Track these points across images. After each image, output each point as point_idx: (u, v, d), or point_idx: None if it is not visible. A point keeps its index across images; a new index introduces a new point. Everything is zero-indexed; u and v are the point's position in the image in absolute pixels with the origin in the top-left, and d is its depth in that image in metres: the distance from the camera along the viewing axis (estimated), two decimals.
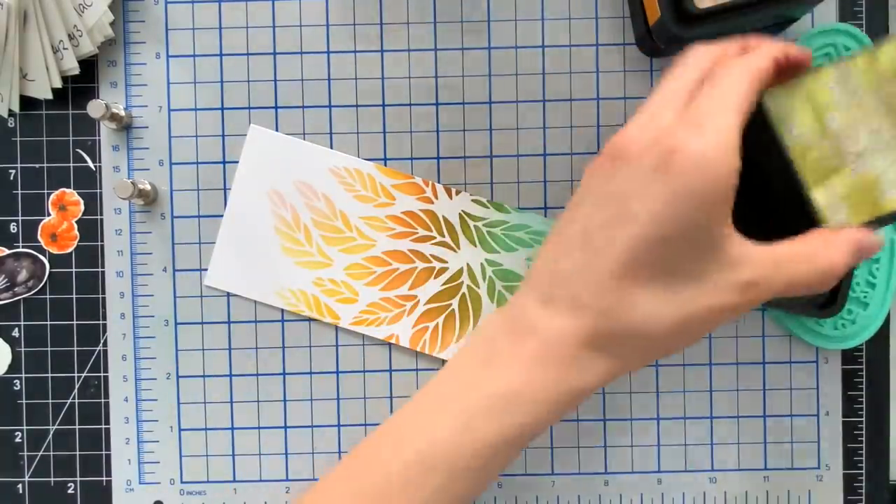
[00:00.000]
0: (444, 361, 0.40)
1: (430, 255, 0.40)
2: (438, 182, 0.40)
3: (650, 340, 0.28)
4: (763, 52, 0.29)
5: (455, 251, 0.40)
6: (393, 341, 0.40)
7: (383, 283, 0.40)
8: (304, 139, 0.40)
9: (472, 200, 0.40)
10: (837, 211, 0.29)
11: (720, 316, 0.28)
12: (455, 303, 0.40)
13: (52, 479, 0.40)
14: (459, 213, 0.40)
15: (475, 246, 0.40)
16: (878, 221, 0.29)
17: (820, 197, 0.29)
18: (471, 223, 0.40)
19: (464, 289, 0.40)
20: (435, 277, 0.40)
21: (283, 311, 0.40)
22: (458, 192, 0.40)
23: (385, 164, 0.40)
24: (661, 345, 0.28)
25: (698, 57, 0.29)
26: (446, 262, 0.40)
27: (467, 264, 0.40)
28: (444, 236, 0.40)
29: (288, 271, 0.40)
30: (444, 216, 0.40)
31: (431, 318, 0.40)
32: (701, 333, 0.29)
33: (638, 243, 0.26)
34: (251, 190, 0.40)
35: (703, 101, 0.27)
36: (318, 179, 0.40)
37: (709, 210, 0.26)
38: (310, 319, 0.40)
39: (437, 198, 0.40)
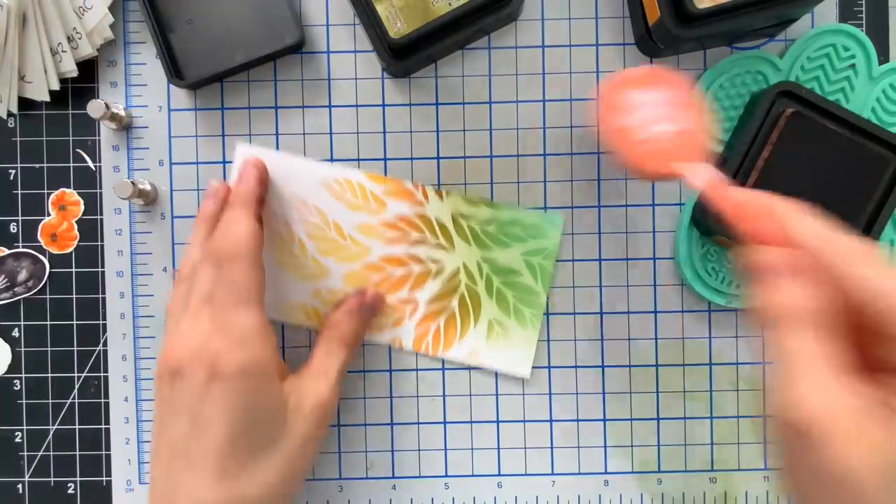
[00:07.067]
0: (443, 362, 0.40)
1: (426, 257, 0.40)
2: (438, 183, 0.40)
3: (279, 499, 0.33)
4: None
5: (450, 251, 0.40)
6: (397, 346, 0.40)
7: (382, 289, 0.40)
8: (304, 138, 0.40)
9: (463, 200, 0.40)
10: (396, 20, 0.34)
11: (315, 445, 0.35)
12: (455, 302, 0.40)
13: (52, 479, 0.40)
14: (451, 214, 0.40)
15: (469, 245, 0.40)
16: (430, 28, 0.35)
17: (380, 9, 0.35)
18: (463, 222, 0.40)
19: (462, 288, 0.40)
20: (433, 279, 0.40)
21: (283, 343, 0.40)
22: (447, 193, 0.40)
23: (385, 164, 0.40)
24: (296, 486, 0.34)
25: (193, 252, 0.36)
26: (442, 263, 0.40)
27: (463, 263, 0.40)
28: (438, 238, 0.40)
29: (286, 286, 0.40)
30: (436, 218, 0.40)
31: (432, 319, 0.40)
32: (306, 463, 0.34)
33: (224, 441, 0.31)
34: None
35: (220, 296, 0.32)
36: (309, 192, 0.40)
37: (260, 395, 0.32)
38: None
39: (427, 200, 0.40)
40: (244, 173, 0.37)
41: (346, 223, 0.40)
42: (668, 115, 0.30)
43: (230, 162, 0.40)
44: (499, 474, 0.40)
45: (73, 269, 0.40)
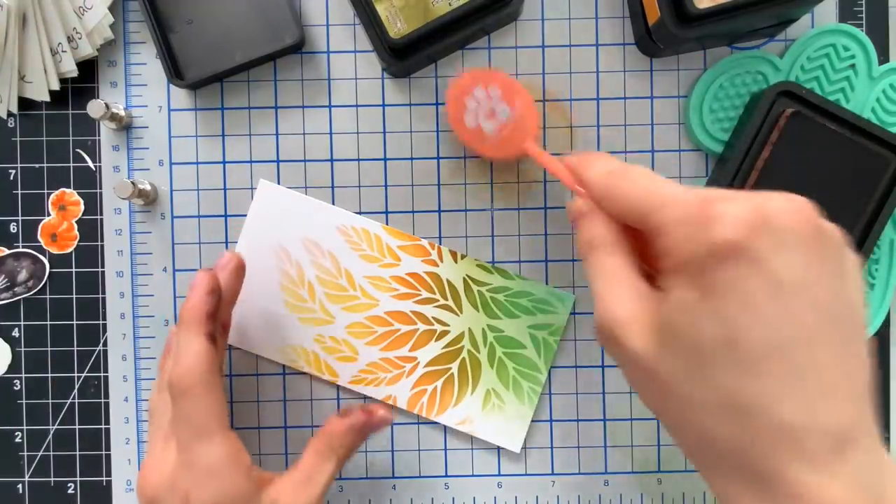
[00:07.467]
0: (445, 428, 0.40)
1: (433, 317, 0.40)
2: (438, 183, 0.40)
3: None
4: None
5: (457, 315, 0.40)
6: (391, 402, 0.40)
7: (384, 344, 0.40)
8: (304, 138, 0.40)
9: (477, 265, 0.40)
10: (396, 20, 0.34)
11: None
12: (455, 367, 0.40)
13: (52, 479, 0.40)
14: (464, 278, 0.40)
15: (478, 311, 0.40)
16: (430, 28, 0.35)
17: (380, 9, 0.35)
18: (474, 288, 0.40)
19: (464, 353, 0.40)
20: (436, 340, 0.40)
21: (283, 365, 0.40)
22: (462, 257, 0.40)
23: (385, 164, 0.40)
24: None
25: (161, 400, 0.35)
26: (448, 325, 0.40)
27: (469, 329, 0.40)
28: (447, 299, 0.40)
29: (290, 327, 0.40)
30: (448, 279, 0.40)
31: (430, 381, 0.40)
32: None
33: None
34: (258, 245, 0.40)
35: (180, 433, 0.32)
36: (325, 237, 0.40)
37: None
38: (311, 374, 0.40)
39: (442, 261, 0.40)
40: (193, 284, 0.34)
41: (357, 272, 0.40)
42: (502, 107, 0.36)
43: (230, 162, 0.40)
44: (499, 474, 0.40)
45: (73, 269, 0.40)
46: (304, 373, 0.40)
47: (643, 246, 0.29)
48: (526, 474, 0.40)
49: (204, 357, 0.32)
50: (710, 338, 0.24)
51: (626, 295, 0.27)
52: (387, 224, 0.40)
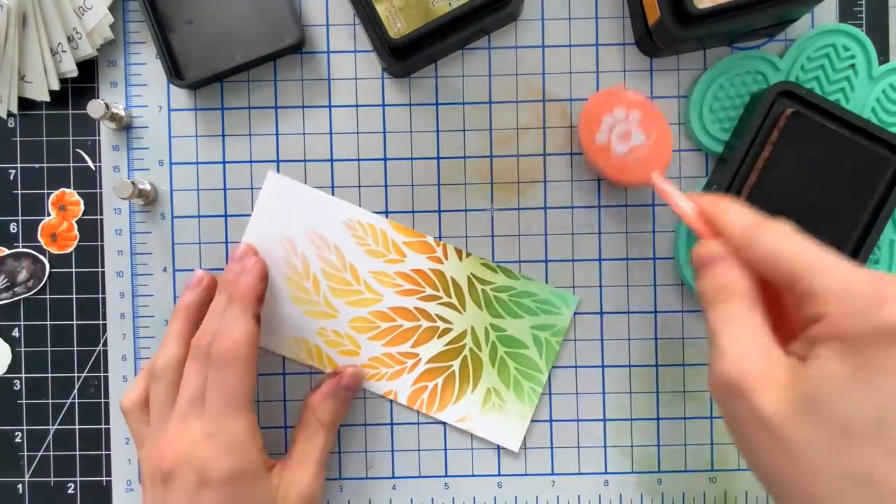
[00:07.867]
0: (445, 425, 0.40)
1: (436, 314, 0.40)
2: (438, 183, 0.40)
3: None
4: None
5: (461, 313, 0.40)
6: (391, 397, 0.40)
7: (386, 339, 0.40)
8: (304, 138, 0.40)
9: (482, 264, 0.40)
10: (396, 20, 0.34)
11: None
12: (456, 364, 0.40)
13: (52, 479, 0.40)
14: (468, 276, 0.40)
15: (481, 309, 0.40)
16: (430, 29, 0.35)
17: (380, 9, 0.35)
18: (478, 286, 0.40)
19: (466, 351, 0.40)
20: (438, 337, 0.40)
21: (283, 365, 0.40)
22: (467, 255, 0.40)
23: (385, 164, 0.40)
24: None
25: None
26: (451, 322, 0.40)
27: (472, 327, 0.40)
28: (450, 297, 0.40)
29: (293, 319, 0.40)
30: (452, 277, 0.40)
31: (431, 378, 0.40)
32: None
33: None
34: (265, 236, 0.40)
35: (213, 400, 0.33)
36: (331, 231, 0.40)
37: (248, 498, 0.33)
38: (311, 372, 0.40)
39: (447, 258, 0.40)
40: (248, 266, 0.36)
41: (362, 267, 0.40)
42: (638, 132, 0.36)
43: (230, 162, 0.40)
44: (499, 474, 0.40)
45: (73, 269, 0.41)
46: (305, 372, 0.40)
47: (771, 305, 0.28)
48: (526, 474, 0.41)
49: (251, 336, 0.34)
50: (860, 416, 0.23)
51: (758, 352, 0.26)
52: None
